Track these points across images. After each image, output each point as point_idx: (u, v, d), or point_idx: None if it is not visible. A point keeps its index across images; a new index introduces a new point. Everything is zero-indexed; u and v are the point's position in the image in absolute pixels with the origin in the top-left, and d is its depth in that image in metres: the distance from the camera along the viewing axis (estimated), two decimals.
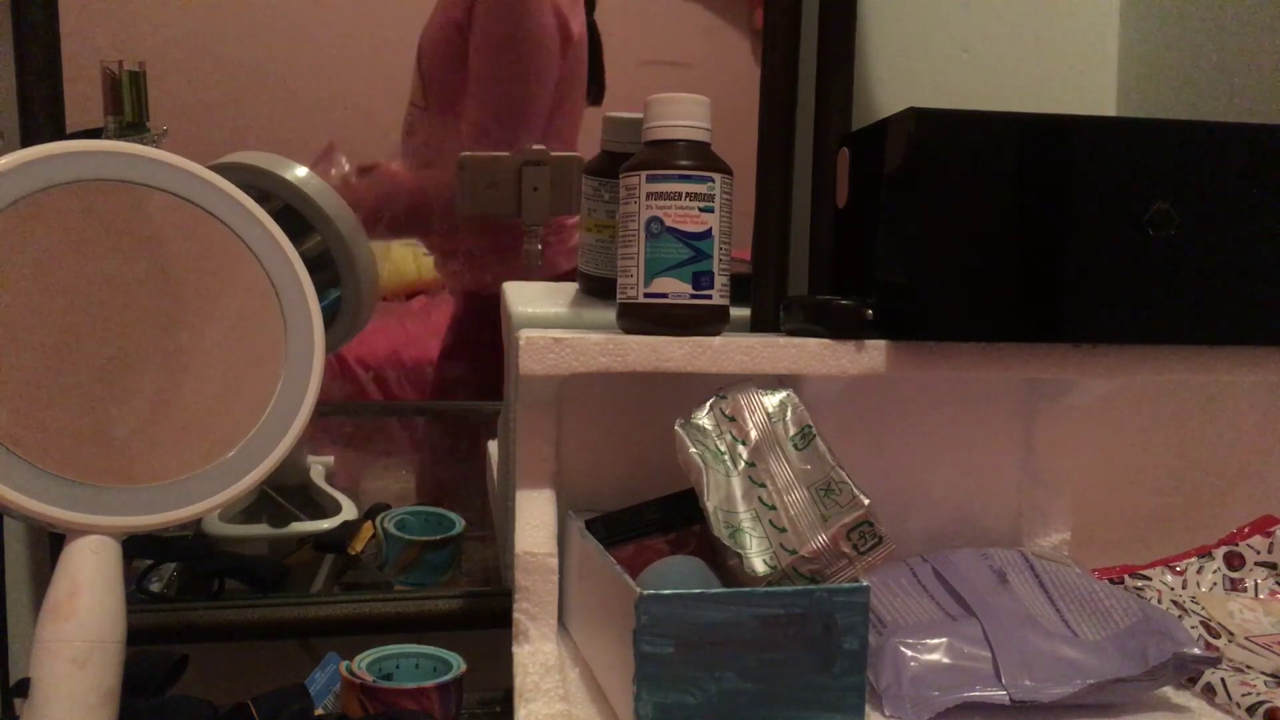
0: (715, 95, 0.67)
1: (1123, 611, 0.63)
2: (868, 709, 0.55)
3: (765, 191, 0.78)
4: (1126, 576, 0.75)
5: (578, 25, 0.92)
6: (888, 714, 0.58)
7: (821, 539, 0.56)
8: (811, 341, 0.68)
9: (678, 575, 0.59)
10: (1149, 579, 0.74)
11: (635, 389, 0.73)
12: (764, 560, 0.57)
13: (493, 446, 0.89)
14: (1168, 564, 0.75)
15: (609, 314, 0.69)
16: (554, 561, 0.67)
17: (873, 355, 0.68)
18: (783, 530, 0.58)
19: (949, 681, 0.59)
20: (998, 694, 0.59)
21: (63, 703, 0.51)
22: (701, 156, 0.66)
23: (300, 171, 0.85)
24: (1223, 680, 0.61)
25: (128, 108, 0.83)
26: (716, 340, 0.66)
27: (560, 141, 0.93)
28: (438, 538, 0.82)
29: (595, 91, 0.94)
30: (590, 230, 0.76)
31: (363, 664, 0.65)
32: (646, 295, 0.66)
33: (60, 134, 0.77)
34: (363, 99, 0.91)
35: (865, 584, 0.55)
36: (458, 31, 0.90)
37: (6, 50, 0.76)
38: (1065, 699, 0.58)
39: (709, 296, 0.66)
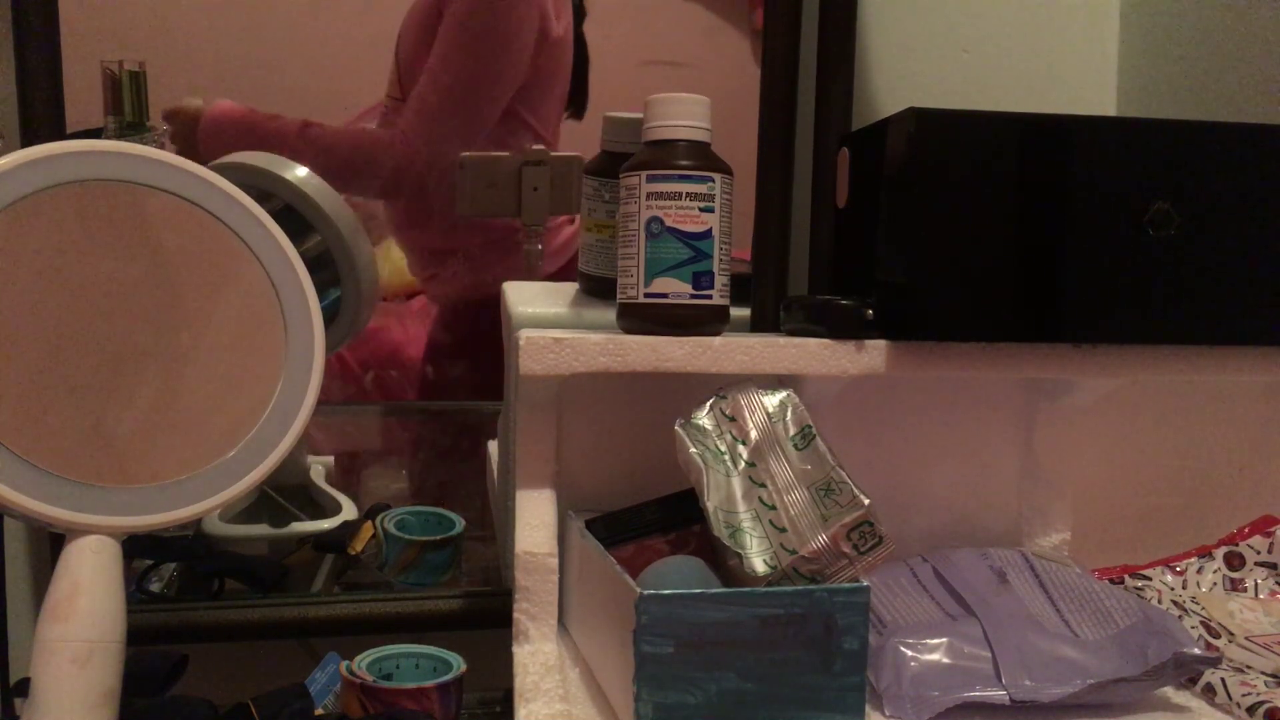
0: (715, 95, 0.67)
1: (1123, 611, 0.63)
2: (868, 709, 0.55)
3: (765, 191, 0.78)
4: (1126, 576, 0.75)
5: (560, 27, 0.91)
6: (888, 714, 0.58)
7: (822, 539, 0.56)
8: (811, 341, 0.68)
9: (678, 575, 0.59)
10: (1149, 579, 0.74)
11: (635, 389, 0.73)
12: (764, 560, 0.57)
13: (493, 446, 0.89)
14: (1168, 564, 0.75)
15: (609, 314, 0.69)
16: (554, 561, 0.67)
17: (873, 355, 0.68)
18: (783, 530, 0.58)
19: (949, 681, 0.59)
20: (998, 694, 0.59)
21: (63, 703, 0.51)
22: (701, 156, 0.66)
23: (300, 171, 0.85)
24: (1223, 680, 0.61)
25: (128, 108, 0.83)
26: (716, 340, 0.66)
27: (529, 142, 0.91)
28: (438, 538, 0.82)
29: (577, 104, 0.93)
30: (590, 230, 0.76)
31: (363, 664, 0.65)
32: (646, 295, 0.66)
33: (60, 134, 0.77)
34: (362, 98, 0.91)
35: (865, 584, 0.55)
36: (436, 15, 0.89)
37: (6, 50, 0.76)
38: (1065, 699, 0.58)
39: (709, 296, 0.66)
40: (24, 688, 0.52)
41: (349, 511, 0.88)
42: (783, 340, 0.68)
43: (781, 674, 0.53)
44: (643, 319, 0.66)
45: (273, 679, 0.67)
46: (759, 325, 0.79)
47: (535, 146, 0.91)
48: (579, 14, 0.92)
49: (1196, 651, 0.59)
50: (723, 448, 0.62)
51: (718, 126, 0.67)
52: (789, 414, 0.62)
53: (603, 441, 0.74)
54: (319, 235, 0.85)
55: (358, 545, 0.81)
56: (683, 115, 0.66)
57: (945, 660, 0.60)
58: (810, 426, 0.61)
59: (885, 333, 0.68)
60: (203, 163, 0.60)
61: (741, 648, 0.53)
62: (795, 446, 0.61)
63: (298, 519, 0.88)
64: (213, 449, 0.57)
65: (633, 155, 0.67)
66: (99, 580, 0.53)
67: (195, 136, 0.85)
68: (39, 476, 0.53)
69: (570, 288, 0.79)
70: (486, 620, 0.80)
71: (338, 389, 0.93)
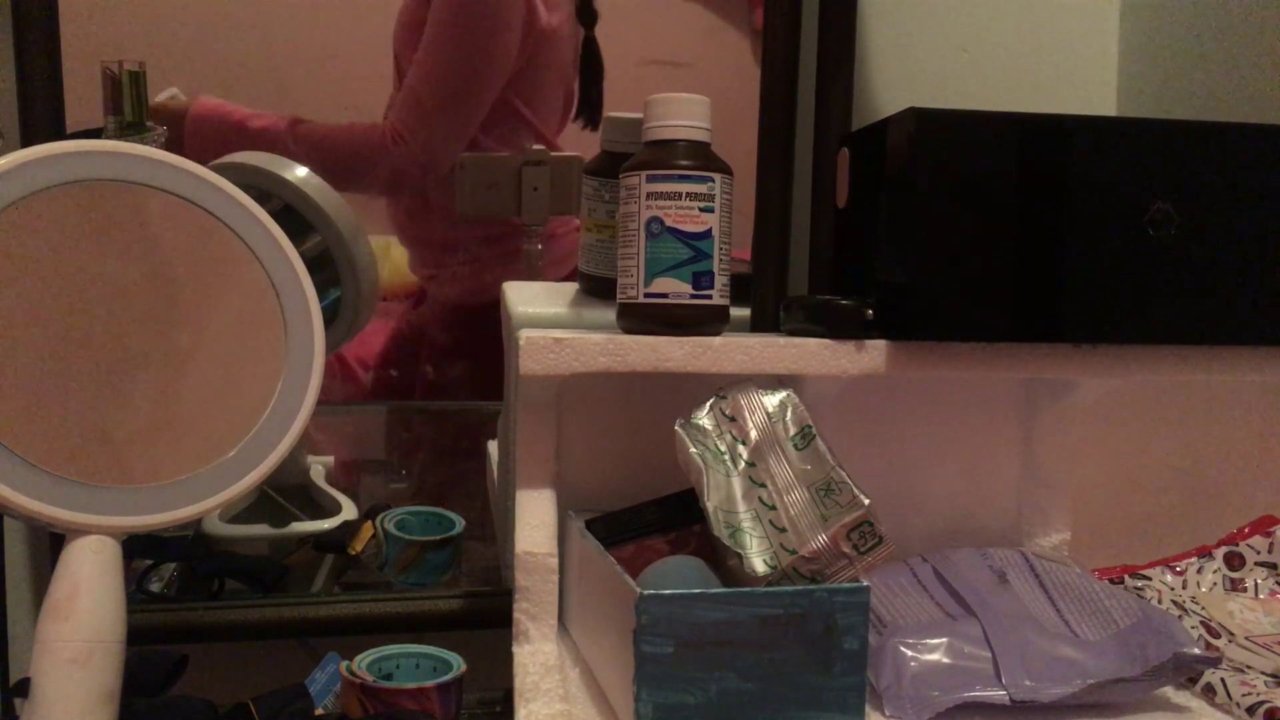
0: (715, 95, 0.67)
1: (1123, 611, 0.63)
2: (868, 709, 0.55)
3: (765, 191, 0.78)
4: (1126, 576, 0.75)
5: (554, 19, 0.91)
6: (888, 714, 0.58)
7: (822, 539, 0.56)
8: (811, 341, 0.68)
9: (678, 575, 0.59)
10: (1149, 579, 0.74)
11: (635, 389, 0.73)
12: (764, 560, 0.57)
13: (493, 446, 0.89)
14: (1168, 564, 0.75)
15: (609, 314, 0.69)
16: (554, 561, 0.67)
17: (873, 355, 0.68)
18: (783, 530, 0.58)
19: (949, 681, 0.59)
20: (998, 694, 0.59)
21: (63, 703, 0.51)
22: (701, 156, 0.66)
23: (300, 171, 0.85)
24: (1223, 680, 0.61)
25: (128, 108, 0.83)
26: (716, 340, 0.66)
27: (527, 138, 0.91)
28: (438, 538, 0.82)
29: (589, 112, 0.92)
30: (590, 230, 0.76)
31: (363, 664, 0.65)
32: (646, 295, 0.66)
33: (60, 134, 0.77)
34: (361, 98, 0.91)
35: (865, 584, 0.55)
36: (425, 4, 0.89)
37: (6, 50, 0.76)
38: (1065, 699, 0.58)
39: (709, 296, 0.66)
40: (24, 688, 0.52)
41: (349, 511, 0.88)
42: (783, 340, 0.68)
43: (781, 674, 0.53)
44: (643, 319, 0.66)
45: (273, 679, 0.67)
46: (759, 325, 0.79)
47: (535, 146, 0.91)
48: (590, 17, 0.92)
49: (1196, 651, 0.59)
50: (723, 448, 0.62)
51: (718, 126, 0.67)
52: (789, 414, 0.62)
53: (603, 441, 0.74)
54: (319, 235, 0.85)
55: (358, 545, 0.81)
56: (683, 115, 0.66)
57: (945, 660, 0.60)
58: (810, 426, 0.61)
59: (885, 333, 0.68)
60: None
61: (741, 648, 0.53)
62: (795, 446, 0.61)
63: (298, 519, 0.88)
64: (213, 449, 0.57)
65: (633, 155, 0.67)
66: (99, 580, 0.53)
67: (181, 134, 0.85)
68: (39, 476, 0.53)
69: (570, 288, 0.79)
70: (486, 620, 0.80)
71: (338, 389, 0.93)
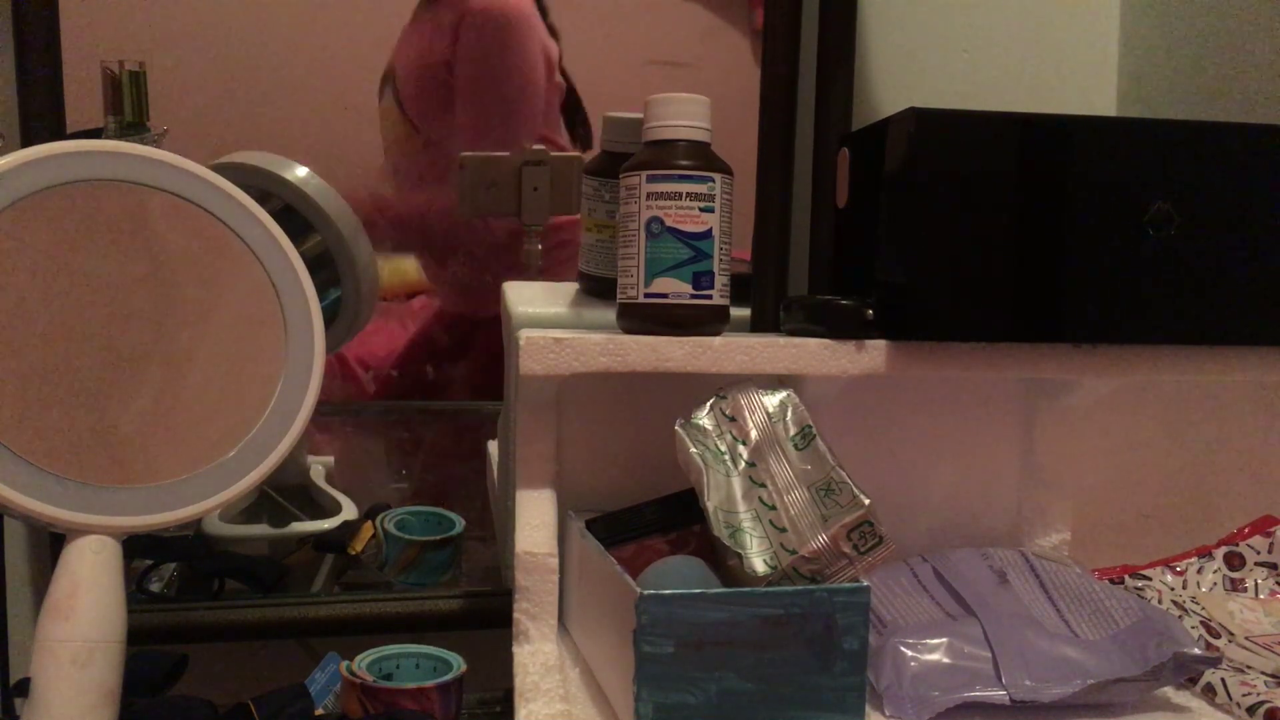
0: (715, 95, 0.67)
1: (1123, 611, 0.63)
2: (868, 709, 0.55)
3: (765, 191, 0.78)
4: (1126, 576, 0.75)
5: (554, 46, 0.93)
6: (888, 714, 0.58)
7: (822, 539, 0.56)
8: (811, 341, 0.68)
9: (678, 575, 0.59)
10: (1149, 579, 0.74)
11: (635, 389, 0.73)
12: (764, 560, 0.57)
13: (493, 446, 0.89)
14: (1168, 564, 0.75)
15: (609, 314, 0.69)
16: (554, 561, 0.67)
17: (873, 355, 0.68)
18: (783, 530, 0.58)
19: (949, 681, 0.59)
20: (998, 694, 0.59)
21: (63, 703, 0.51)
22: (701, 156, 0.66)
23: (300, 171, 0.85)
24: (1223, 680, 0.61)
25: (128, 108, 0.83)
26: (716, 340, 0.66)
27: (527, 140, 0.92)
28: (438, 538, 0.82)
29: (582, 135, 0.93)
30: (590, 230, 0.76)
31: (363, 664, 0.65)
32: (646, 295, 0.66)
33: (60, 134, 0.77)
34: (362, 99, 0.91)
35: (865, 584, 0.55)
36: (445, 70, 0.90)
37: (6, 50, 0.76)
38: (1065, 699, 0.58)
39: (709, 296, 0.66)
40: (24, 688, 0.52)
41: (349, 511, 0.88)
42: (783, 340, 0.68)
43: (781, 674, 0.53)
44: (643, 319, 0.66)
45: (273, 679, 0.67)
46: (759, 325, 0.79)
47: (536, 146, 0.91)
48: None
49: (1196, 651, 0.59)
50: (723, 448, 0.62)
51: (718, 126, 0.67)
52: (789, 414, 0.62)
53: (603, 441, 0.74)
54: (319, 235, 0.85)
55: (358, 545, 0.81)
56: (682, 115, 0.66)
57: (945, 660, 0.60)
58: (810, 426, 0.61)
59: (885, 333, 0.68)
60: None
61: (741, 648, 0.53)
62: (795, 446, 0.61)
63: (298, 519, 0.88)
64: (213, 449, 0.57)
65: (633, 155, 0.67)
66: (99, 580, 0.53)
67: None
68: (39, 476, 0.53)
69: (570, 288, 0.79)
70: (486, 620, 0.80)
71: (338, 389, 0.93)
